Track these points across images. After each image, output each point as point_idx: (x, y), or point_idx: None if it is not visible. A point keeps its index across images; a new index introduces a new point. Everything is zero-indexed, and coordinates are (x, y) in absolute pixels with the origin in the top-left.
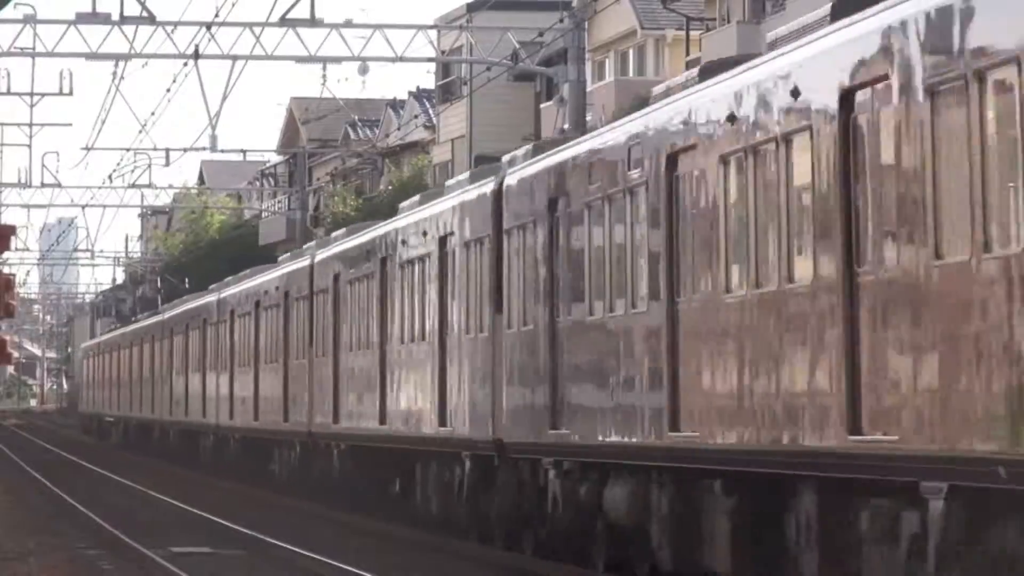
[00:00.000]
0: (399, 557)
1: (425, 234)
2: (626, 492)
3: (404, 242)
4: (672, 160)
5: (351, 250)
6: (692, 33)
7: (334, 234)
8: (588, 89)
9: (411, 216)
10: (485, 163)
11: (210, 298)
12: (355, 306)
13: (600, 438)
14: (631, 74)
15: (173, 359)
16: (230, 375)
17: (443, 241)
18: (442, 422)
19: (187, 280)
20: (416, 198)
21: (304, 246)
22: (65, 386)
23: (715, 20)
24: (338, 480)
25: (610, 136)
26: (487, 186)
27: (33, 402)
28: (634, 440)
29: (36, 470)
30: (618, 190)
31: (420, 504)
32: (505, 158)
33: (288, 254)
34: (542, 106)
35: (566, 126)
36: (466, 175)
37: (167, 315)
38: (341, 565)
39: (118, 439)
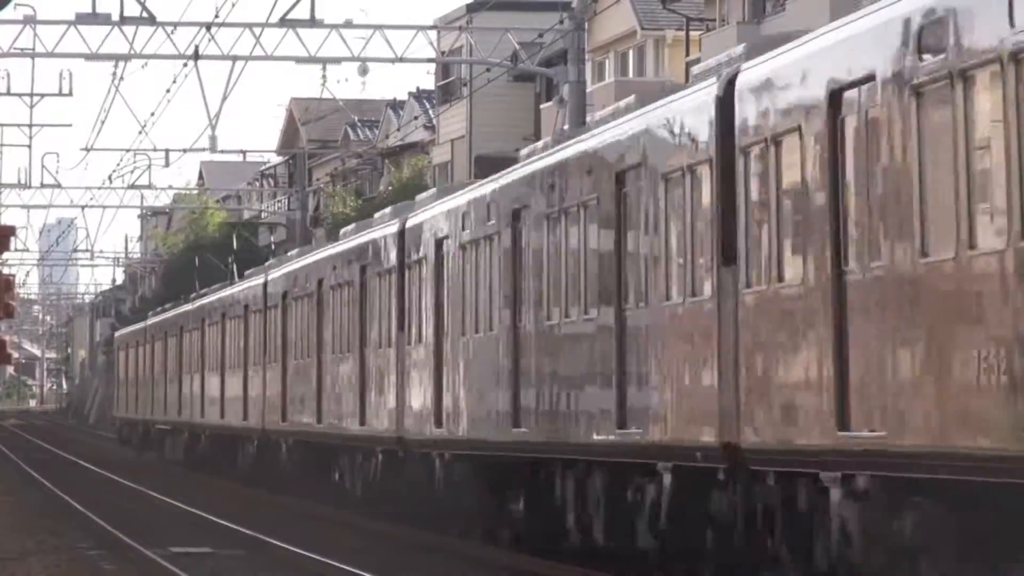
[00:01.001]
0: (399, 557)
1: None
2: None
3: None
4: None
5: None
6: (692, 34)
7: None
8: (588, 90)
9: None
10: (486, 163)
11: (366, 238)
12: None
13: None
14: (631, 75)
15: (288, 342)
16: (437, 351)
17: None
18: None
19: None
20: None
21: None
22: (64, 387)
23: (715, 21)
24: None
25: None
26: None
27: (32, 403)
28: None
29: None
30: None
31: None
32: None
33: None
34: (542, 107)
35: (566, 127)
36: None
37: (272, 275)
38: (341, 565)
39: (177, 454)
